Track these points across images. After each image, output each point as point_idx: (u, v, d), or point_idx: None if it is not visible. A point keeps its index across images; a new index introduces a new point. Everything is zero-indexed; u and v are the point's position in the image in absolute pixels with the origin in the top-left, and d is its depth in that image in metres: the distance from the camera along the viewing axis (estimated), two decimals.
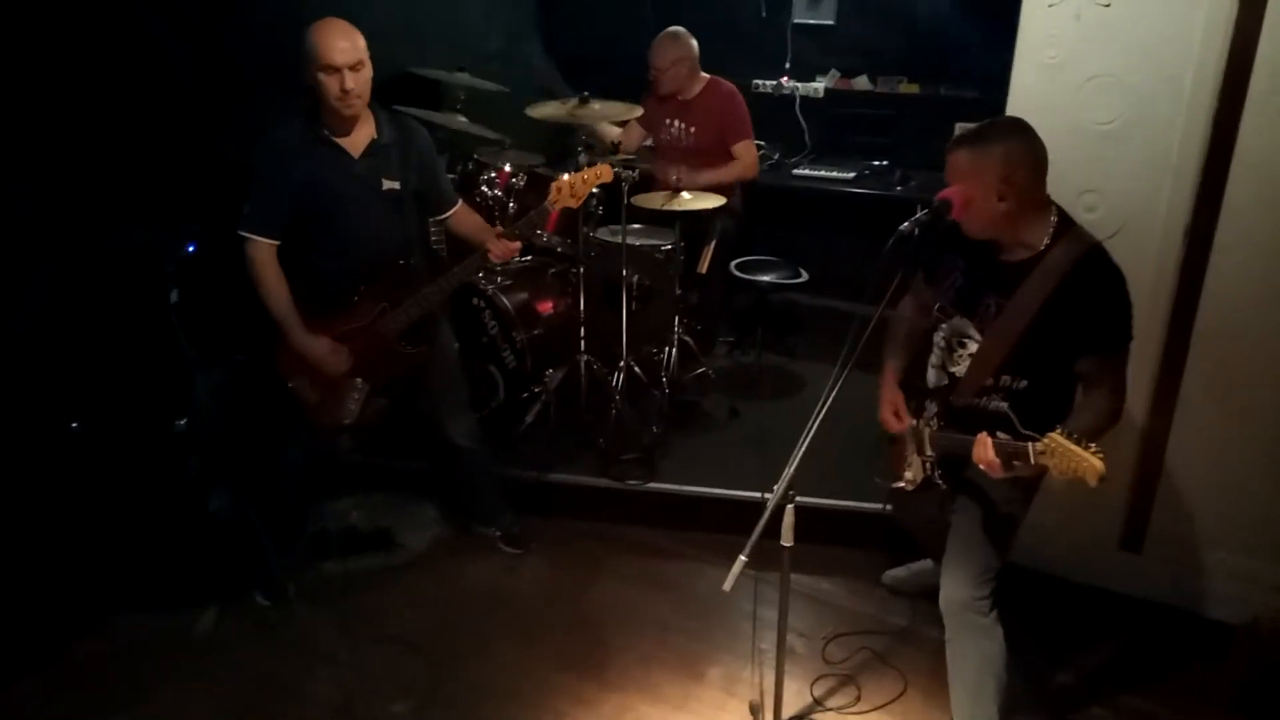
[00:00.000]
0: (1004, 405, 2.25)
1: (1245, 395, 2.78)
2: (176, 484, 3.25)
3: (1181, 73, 2.63)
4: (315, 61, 2.62)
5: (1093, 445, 1.89)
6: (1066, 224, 2.23)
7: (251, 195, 2.75)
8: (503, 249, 2.89)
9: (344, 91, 2.65)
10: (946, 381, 2.40)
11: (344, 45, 2.63)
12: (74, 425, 3.07)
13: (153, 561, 3.17)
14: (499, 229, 2.97)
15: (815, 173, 4.92)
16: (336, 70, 2.63)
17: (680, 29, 4.25)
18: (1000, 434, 2.11)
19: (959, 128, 4.50)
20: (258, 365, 3.08)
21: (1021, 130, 2.21)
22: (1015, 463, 2.05)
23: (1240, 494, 2.86)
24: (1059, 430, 1.94)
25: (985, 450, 2.09)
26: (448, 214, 3.02)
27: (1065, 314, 2.16)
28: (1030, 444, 2.00)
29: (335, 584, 3.23)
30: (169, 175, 3.26)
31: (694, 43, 4.25)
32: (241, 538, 3.18)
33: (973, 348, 2.32)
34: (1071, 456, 1.89)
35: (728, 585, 2.05)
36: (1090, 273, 2.16)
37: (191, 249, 3.17)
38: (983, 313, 2.29)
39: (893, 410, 2.48)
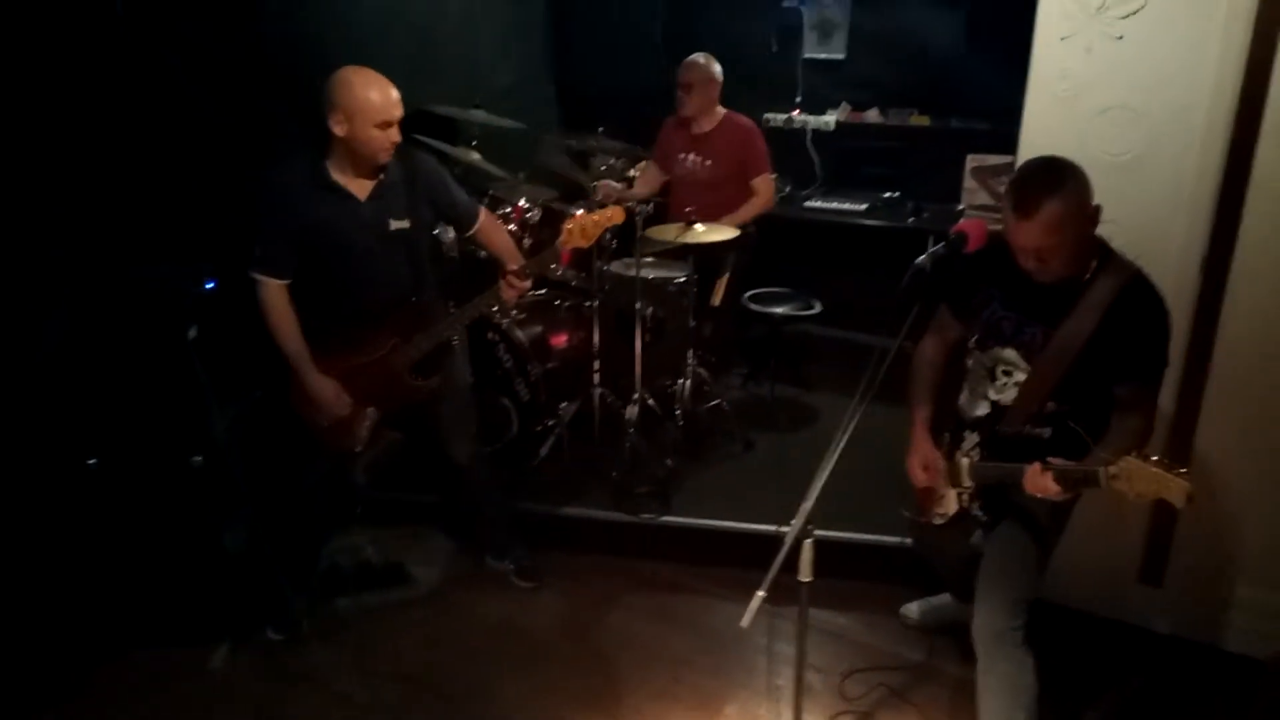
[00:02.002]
0: (1047, 431, 2.28)
1: (1264, 426, 2.75)
2: (192, 519, 3.25)
3: (1195, 104, 2.63)
4: (370, 116, 2.62)
5: (1176, 465, 1.88)
6: (1108, 251, 2.24)
7: (259, 237, 2.77)
8: (514, 288, 2.89)
9: (393, 143, 2.69)
10: (988, 410, 2.39)
11: (396, 97, 2.67)
12: (91, 461, 3.08)
13: (168, 596, 3.16)
14: (511, 267, 2.96)
15: (827, 205, 4.93)
16: (391, 125, 2.67)
17: (708, 55, 4.32)
18: (1052, 459, 2.11)
19: (970, 159, 4.61)
20: (274, 401, 3.09)
21: (1065, 161, 2.16)
22: (1080, 486, 2.04)
23: (1262, 527, 2.83)
24: (1133, 454, 1.94)
25: (1043, 479, 2.08)
26: (473, 229, 3.01)
27: (1113, 341, 2.17)
28: (1102, 468, 1.98)
29: (348, 619, 3.22)
30: (187, 212, 3.29)
31: (719, 69, 4.30)
32: (255, 572, 3.18)
33: (1019, 376, 2.31)
34: (1153, 479, 1.88)
35: (746, 621, 2.02)
36: (1137, 300, 2.18)
37: (210, 286, 3.20)
38: (1028, 342, 2.29)
39: (922, 464, 2.46)
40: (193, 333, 2.95)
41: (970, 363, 2.44)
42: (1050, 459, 2.12)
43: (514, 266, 2.88)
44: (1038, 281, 2.23)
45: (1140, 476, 1.90)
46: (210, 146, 3.39)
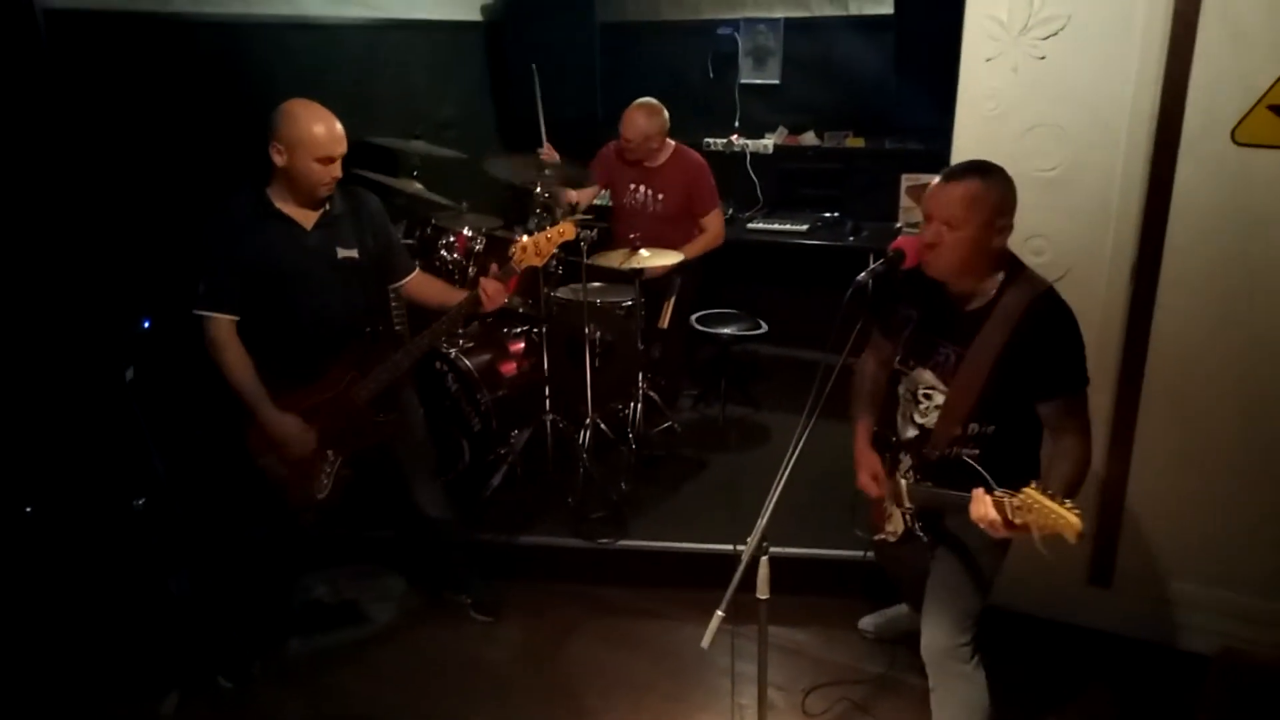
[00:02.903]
0: (976, 452, 2.28)
1: (1200, 427, 2.84)
2: (136, 564, 3.16)
3: (1117, 119, 2.73)
4: (312, 150, 2.62)
5: (1068, 501, 1.88)
6: (1017, 268, 2.27)
7: (205, 273, 2.71)
8: (491, 290, 2.86)
9: (333, 178, 2.68)
10: (916, 434, 2.41)
11: (340, 134, 2.67)
12: (27, 509, 2.98)
13: (114, 644, 3.06)
14: (492, 272, 2.92)
15: (769, 226, 5.01)
16: (334, 160, 2.66)
17: (654, 101, 4.24)
18: (995, 489, 2.08)
19: (905, 178, 4.72)
20: (217, 441, 3.03)
21: (1003, 168, 2.23)
22: (1016, 520, 1.99)
23: (1202, 524, 2.91)
24: (1034, 485, 1.93)
25: (987, 509, 2.03)
26: (404, 281, 3.00)
27: (1024, 358, 2.18)
28: (1008, 500, 1.98)
29: (302, 662, 3.15)
30: (120, 250, 3.22)
31: (666, 114, 4.25)
32: (203, 618, 3.09)
33: (939, 399, 2.33)
34: (1048, 513, 1.87)
35: (706, 642, 2.02)
36: (1044, 315, 2.19)
37: (146, 325, 3.13)
38: (942, 362, 2.31)
39: (871, 475, 2.48)
40: (130, 374, 2.89)
41: (900, 388, 2.46)
42: (988, 490, 2.08)
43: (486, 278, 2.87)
44: (948, 291, 2.26)
45: (1038, 510, 1.90)
46: (142, 182, 3.33)
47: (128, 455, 3.04)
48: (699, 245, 4.34)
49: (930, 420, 2.36)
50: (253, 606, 3.12)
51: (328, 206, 2.78)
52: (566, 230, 2.96)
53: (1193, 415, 2.85)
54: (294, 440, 2.78)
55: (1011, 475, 2.05)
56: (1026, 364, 2.18)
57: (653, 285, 4.14)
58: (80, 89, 3.11)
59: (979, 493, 2.06)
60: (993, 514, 2.01)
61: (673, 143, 4.39)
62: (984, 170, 2.19)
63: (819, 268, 4.75)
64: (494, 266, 2.91)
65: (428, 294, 3.03)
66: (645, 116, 4.22)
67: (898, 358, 2.43)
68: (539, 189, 3.88)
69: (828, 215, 5.06)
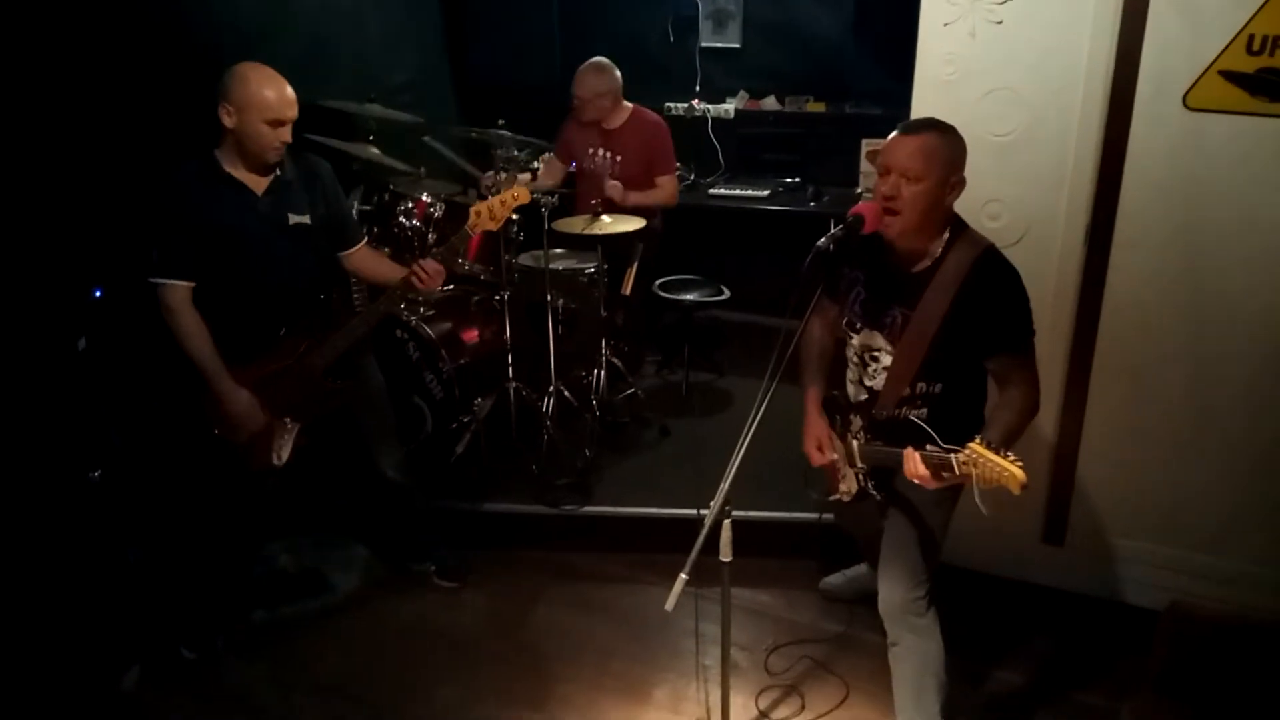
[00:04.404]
0: (924, 411, 2.31)
1: (1152, 387, 2.90)
2: (94, 537, 3.12)
3: (1072, 83, 2.76)
4: (261, 112, 2.58)
5: (1011, 454, 1.94)
6: (960, 229, 2.29)
7: (157, 240, 2.66)
8: (429, 269, 2.80)
9: (282, 143, 2.64)
10: (866, 396, 2.43)
11: (291, 97, 2.62)
12: None
13: (72, 618, 3.02)
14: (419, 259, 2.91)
15: (731, 191, 5.01)
16: (284, 124, 2.62)
17: (604, 60, 4.23)
18: (929, 446, 2.14)
19: (865, 143, 4.73)
20: (175, 411, 2.98)
21: (955, 128, 2.26)
22: (944, 474, 2.07)
23: (1153, 483, 2.98)
24: (979, 440, 1.98)
25: (916, 465, 2.11)
26: (353, 249, 2.95)
27: (969, 316, 2.21)
28: (954, 455, 2.03)
29: (266, 632, 3.14)
30: (72, 219, 3.14)
31: (618, 74, 4.24)
32: (164, 589, 3.07)
33: (886, 360, 2.34)
34: (993, 466, 1.93)
35: (670, 605, 2.04)
36: (987, 273, 2.22)
37: (98, 294, 3.06)
38: (889, 324, 2.32)
39: (816, 444, 2.51)
40: (82, 343, 2.83)
41: (849, 352, 2.47)
42: (918, 447, 2.14)
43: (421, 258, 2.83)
44: (894, 253, 2.28)
45: (984, 464, 1.96)
46: (90, 147, 3.23)
47: (82, 427, 2.98)
48: (651, 198, 4.27)
49: (878, 382, 2.38)
50: (215, 577, 3.10)
51: (279, 172, 2.74)
52: (520, 194, 2.92)
53: (1144, 376, 2.90)
54: (244, 418, 2.76)
55: (958, 431, 2.10)
56: (973, 322, 2.21)
57: (615, 252, 4.13)
58: (22, 49, 3.01)
59: (909, 451, 2.14)
60: (921, 469, 2.10)
61: (630, 105, 4.35)
62: (939, 126, 2.24)
63: (780, 233, 4.76)
64: (424, 260, 2.85)
65: (370, 269, 3.00)
66: (595, 73, 4.21)
67: (844, 321, 2.44)
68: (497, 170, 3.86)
69: (789, 180, 5.07)
